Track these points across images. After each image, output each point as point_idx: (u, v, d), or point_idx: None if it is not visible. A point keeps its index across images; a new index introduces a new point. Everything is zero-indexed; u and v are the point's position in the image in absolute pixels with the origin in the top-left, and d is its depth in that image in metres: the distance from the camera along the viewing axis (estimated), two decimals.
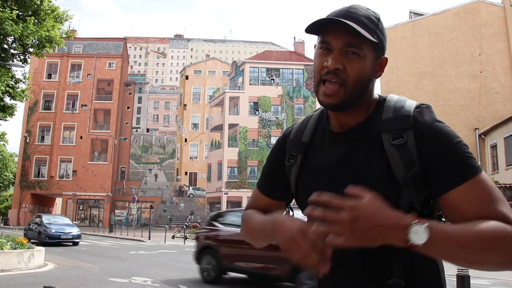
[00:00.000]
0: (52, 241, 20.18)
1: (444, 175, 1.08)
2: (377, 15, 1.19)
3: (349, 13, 1.15)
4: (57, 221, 22.40)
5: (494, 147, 25.07)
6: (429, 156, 1.09)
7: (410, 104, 1.18)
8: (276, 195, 1.38)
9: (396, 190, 1.11)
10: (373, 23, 1.16)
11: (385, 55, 1.20)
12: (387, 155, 1.13)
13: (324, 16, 1.20)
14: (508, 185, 20.24)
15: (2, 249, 11.23)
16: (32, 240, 20.28)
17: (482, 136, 26.11)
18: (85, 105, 52.45)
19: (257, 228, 1.27)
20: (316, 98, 1.23)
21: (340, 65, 1.13)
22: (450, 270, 3.11)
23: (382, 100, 1.24)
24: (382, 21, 1.20)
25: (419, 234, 0.92)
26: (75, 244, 21.01)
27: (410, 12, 32.32)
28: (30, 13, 17.06)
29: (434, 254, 0.98)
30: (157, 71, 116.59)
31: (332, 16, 1.16)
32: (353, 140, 1.20)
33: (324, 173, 1.22)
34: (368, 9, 1.19)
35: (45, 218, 22.33)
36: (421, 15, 30.35)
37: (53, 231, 20.68)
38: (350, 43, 1.13)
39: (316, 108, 1.39)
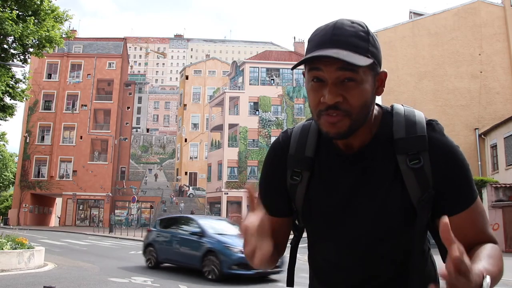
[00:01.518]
0: (247, 272, 9.75)
1: (454, 200, 1.11)
2: (365, 28, 1.08)
3: (335, 37, 1.05)
4: (227, 229, 11.27)
5: (494, 147, 25.08)
6: (443, 180, 1.10)
7: (421, 119, 1.15)
8: (276, 212, 1.26)
9: (409, 212, 1.11)
10: (363, 40, 1.06)
11: (383, 67, 1.12)
12: (403, 176, 1.11)
13: (312, 32, 1.11)
14: (508, 185, 20.26)
15: (2, 249, 11.22)
16: (167, 263, 12.16)
17: (482, 136, 26.12)
18: (85, 105, 52.45)
19: None
20: (319, 128, 1.14)
21: (339, 98, 1.05)
22: None
23: (386, 113, 1.19)
24: (371, 32, 1.09)
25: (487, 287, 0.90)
26: (267, 276, 10.74)
27: (410, 12, 32.32)
28: (30, 13, 17.06)
29: None
30: (157, 71, 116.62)
31: (317, 43, 1.06)
32: (365, 161, 1.16)
33: (337, 197, 1.17)
34: (353, 23, 1.08)
35: (206, 224, 11.53)
36: (421, 15, 30.35)
37: None
38: (343, 72, 1.04)
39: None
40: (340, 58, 1.01)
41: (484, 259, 1.00)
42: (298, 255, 1.36)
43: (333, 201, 1.18)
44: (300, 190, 1.22)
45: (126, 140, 62.53)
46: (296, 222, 1.32)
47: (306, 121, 1.31)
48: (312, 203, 1.21)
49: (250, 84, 47.42)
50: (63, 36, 19.00)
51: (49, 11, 17.46)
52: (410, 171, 1.10)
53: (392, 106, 1.21)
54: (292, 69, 1.16)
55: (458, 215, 1.10)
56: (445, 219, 0.83)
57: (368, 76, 1.07)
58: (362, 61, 1.03)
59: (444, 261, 1.24)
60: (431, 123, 1.15)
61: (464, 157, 1.13)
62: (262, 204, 1.29)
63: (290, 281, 1.31)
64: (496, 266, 1.01)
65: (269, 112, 46.60)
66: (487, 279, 0.89)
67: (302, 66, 1.11)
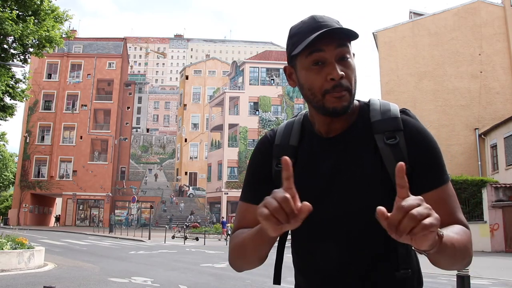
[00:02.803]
0: None
1: (425, 177, 1.16)
2: (336, 20, 1.21)
3: (322, 22, 1.16)
4: None
5: (494, 147, 25.07)
6: (416, 158, 1.17)
7: (395, 107, 1.25)
8: (261, 201, 1.30)
9: (389, 188, 1.15)
10: (339, 25, 1.18)
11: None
12: (381, 154, 1.18)
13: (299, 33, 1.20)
14: (508, 185, 20.26)
15: (2, 249, 11.23)
16: None
17: (482, 136, 26.11)
18: (85, 105, 52.46)
19: (246, 239, 1.16)
20: (321, 110, 1.19)
21: (343, 73, 1.14)
22: (450, 271, 3.10)
23: (363, 105, 1.28)
24: None
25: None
26: None
27: (410, 12, 32.32)
28: (30, 13, 17.06)
29: (440, 255, 0.99)
30: (157, 71, 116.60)
31: (307, 31, 1.15)
32: (344, 144, 1.22)
33: (320, 178, 1.22)
34: (329, 16, 1.21)
35: None
36: (421, 15, 30.35)
37: None
38: (342, 49, 1.15)
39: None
40: (345, 28, 1.12)
41: (446, 230, 1.02)
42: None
43: (315, 183, 1.22)
44: None
45: (126, 140, 62.52)
46: None
47: (290, 118, 1.39)
48: (296, 188, 1.23)
49: (250, 84, 47.42)
50: (63, 36, 18.99)
51: (49, 11, 17.45)
52: (387, 147, 1.18)
53: (369, 99, 1.31)
54: (292, 56, 1.21)
55: (429, 193, 1.14)
56: (402, 163, 0.86)
57: (351, 55, 1.19)
58: (357, 33, 1.14)
59: None
60: (404, 110, 1.25)
61: (436, 141, 1.21)
62: (248, 195, 1.32)
63: (277, 278, 1.30)
64: (460, 239, 1.04)
65: (269, 112, 46.60)
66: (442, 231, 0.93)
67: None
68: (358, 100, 1.29)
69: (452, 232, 1.04)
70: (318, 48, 1.13)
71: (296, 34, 1.18)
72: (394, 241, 1.01)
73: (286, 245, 1.34)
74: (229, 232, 28.94)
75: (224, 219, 31.25)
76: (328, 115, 1.19)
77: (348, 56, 1.16)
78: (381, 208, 0.84)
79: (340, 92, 1.14)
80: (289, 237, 1.32)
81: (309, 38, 1.12)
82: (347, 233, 1.19)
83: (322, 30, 1.12)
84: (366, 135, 1.21)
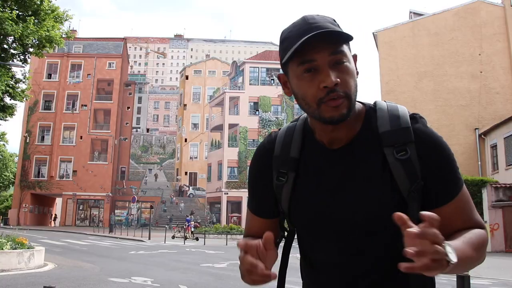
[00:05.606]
0: None
1: (442, 190, 1.12)
2: (331, 18, 1.12)
3: (313, 24, 1.06)
4: None
5: (494, 147, 25.08)
6: (430, 170, 1.11)
7: (404, 113, 1.16)
8: (267, 213, 1.27)
9: (400, 204, 1.11)
10: (335, 25, 1.09)
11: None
12: (391, 169, 1.11)
13: (293, 39, 1.10)
14: (508, 185, 20.27)
15: (2, 249, 11.22)
16: None
17: (482, 136, 26.11)
18: (85, 105, 52.46)
19: None
20: (318, 119, 1.12)
21: (338, 79, 1.05)
22: None
23: (369, 109, 1.19)
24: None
25: (452, 253, 0.90)
26: None
27: (410, 12, 32.31)
28: (30, 13, 17.09)
29: (450, 273, 0.96)
30: (157, 71, 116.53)
31: (298, 35, 1.06)
32: (351, 156, 1.15)
33: (324, 193, 1.16)
34: (318, 15, 1.11)
35: None
36: (421, 15, 30.35)
37: None
38: (334, 52, 1.06)
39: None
40: (336, 30, 1.04)
41: (458, 239, 1.01)
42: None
43: (320, 198, 1.16)
44: (286, 191, 1.21)
45: (126, 140, 62.52)
46: (286, 225, 1.30)
47: (290, 122, 1.30)
48: (299, 203, 1.20)
49: (250, 84, 47.42)
50: (63, 36, 19.02)
51: (49, 11, 17.48)
52: (397, 162, 1.10)
53: (375, 102, 1.22)
54: (284, 63, 1.12)
55: (446, 205, 1.11)
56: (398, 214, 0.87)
57: (350, 58, 1.10)
58: (348, 34, 1.06)
59: None
60: (414, 116, 1.16)
61: (449, 146, 1.15)
62: (251, 205, 1.30)
63: (281, 286, 1.28)
64: (471, 251, 1.01)
65: (269, 112, 46.60)
66: (448, 247, 0.89)
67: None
68: (364, 103, 1.20)
69: (466, 244, 1.00)
70: (309, 58, 1.06)
71: (287, 39, 1.09)
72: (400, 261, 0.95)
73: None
74: (192, 229, 28.81)
75: (188, 217, 31.20)
76: (326, 123, 1.11)
77: (344, 60, 1.07)
78: (400, 214, 0.86)
79: (337, 101, 1.06)
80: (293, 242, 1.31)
81: (296, 45, 1.04)
82: (356, 248, 1.15)
83: (307, 36, 1.03)
84: (374, 146, 1.13)
